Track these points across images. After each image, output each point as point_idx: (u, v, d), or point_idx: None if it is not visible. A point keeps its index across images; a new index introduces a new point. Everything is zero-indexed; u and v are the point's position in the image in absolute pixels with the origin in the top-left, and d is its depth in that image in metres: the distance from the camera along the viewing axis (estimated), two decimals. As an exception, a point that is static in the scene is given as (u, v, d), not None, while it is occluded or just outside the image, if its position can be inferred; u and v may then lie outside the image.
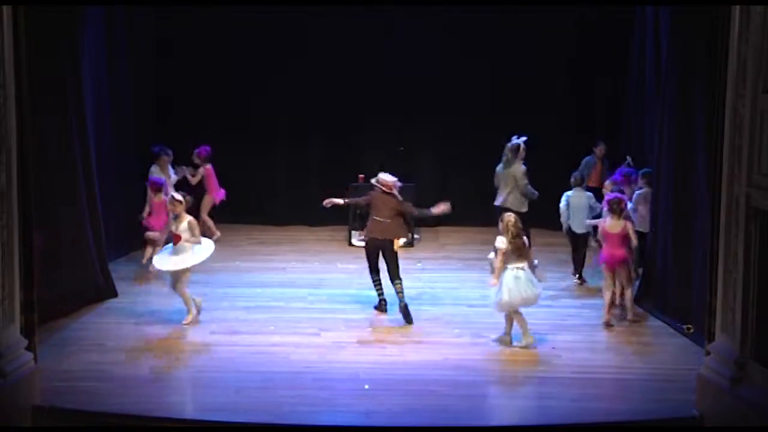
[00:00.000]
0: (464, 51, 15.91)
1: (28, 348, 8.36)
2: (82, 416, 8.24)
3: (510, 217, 10.26)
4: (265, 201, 16.16)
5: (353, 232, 15.09)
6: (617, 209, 10.90)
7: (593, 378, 9.42)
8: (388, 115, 16.02)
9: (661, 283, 11.32)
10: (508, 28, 15.79)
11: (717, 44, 8.33)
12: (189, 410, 8.37)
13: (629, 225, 10.93)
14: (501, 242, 10.09)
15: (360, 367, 9.44)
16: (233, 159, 16.04)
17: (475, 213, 15.31)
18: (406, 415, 8.39)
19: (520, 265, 10.05)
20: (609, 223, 10.91)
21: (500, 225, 10.23)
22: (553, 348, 10.04)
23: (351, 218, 15.19)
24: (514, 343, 10.15)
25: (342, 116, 16.05)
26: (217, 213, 15.92)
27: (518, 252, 10.07)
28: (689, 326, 10.29)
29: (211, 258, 13.70)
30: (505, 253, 10.03)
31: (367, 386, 8.96)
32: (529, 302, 10.11)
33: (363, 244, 11.36)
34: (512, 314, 10.13)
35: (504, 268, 10.05)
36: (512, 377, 9.25)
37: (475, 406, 8.58)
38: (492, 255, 10.24)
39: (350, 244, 14.94)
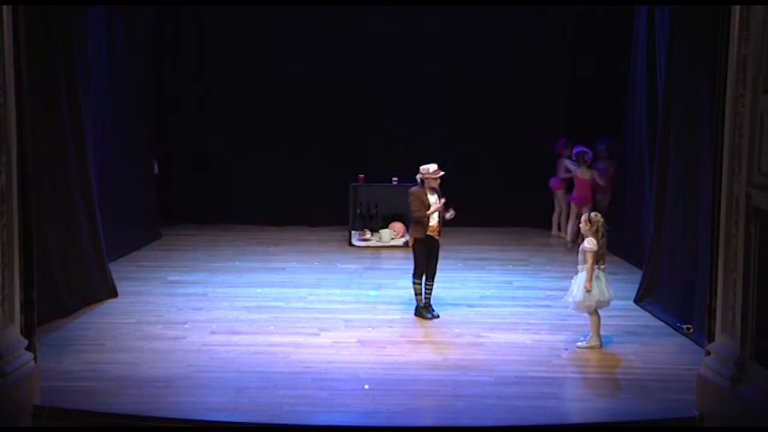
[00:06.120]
0: (464, 51, 15.93)
1: (28, 348, 8.35)
2: (82, 416, 8.23)
3: (600, 217, 10.09)
4: (265, 201, 16.17)
5: (353, 232, 15.10)
6: (584, 161, 14.42)
7: (593, 378, 9.42)
8: (389, 116, 16.03)
9: (661, 282, 11.32)
10: (508, 27, 15.83)
11: (718, 44, 8.33)
12: (189, 410, 8.35)
13: (595, 173, 14.55)
14: (592, 243, 9.89)
15: (360, 367, 9.43)
16: (233, 158, 16.07)
17: (475, 213, 15.34)
18: (406, 415, 8.39)
19: (602, 266, 9.99)
20: (580, 172, 14.48)
21: (586, 226, 10.00)
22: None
23: (351, 218, 15.20)
24: (579, 343, 10.11)
25: (342, 116, 16.06)
26: (217, 213, 15.98)
27: (602, 252, 10.02)
28: (689, 326, 10.28)
29: (211, 258, 13.83)
30: (595, 255, 9.86)
31: (367, 386, 8.96)
32: (602, 305, 10.02)
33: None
34: (589, 314, 10.05)
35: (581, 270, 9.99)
36: (512, 377, 9.23)
37: (475, 406, 8.56)
38: (580, 268, 10.07)
39: (350, 244, 14.95)
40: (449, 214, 10.96)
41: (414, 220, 11.04)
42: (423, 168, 11.01)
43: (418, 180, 11.04)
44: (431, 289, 11.09)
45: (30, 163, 8.33)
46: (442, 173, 10.98)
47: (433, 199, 10.96)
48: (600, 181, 14.58)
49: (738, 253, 7.93)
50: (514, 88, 15.91)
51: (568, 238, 14.80)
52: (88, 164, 11.37)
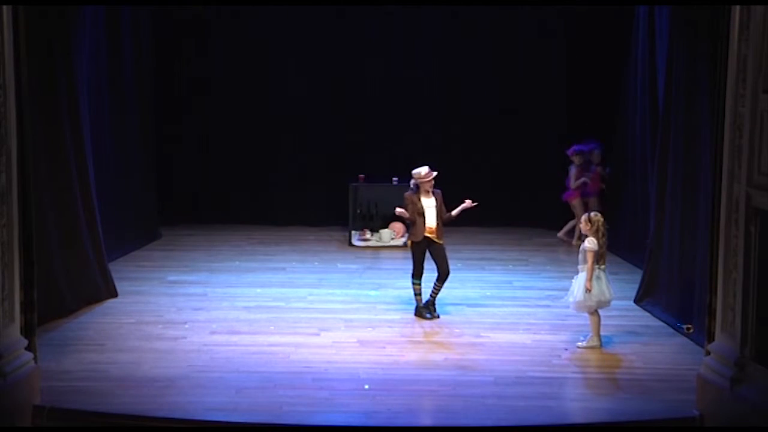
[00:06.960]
0: (464, 50, 15.93)
1: (28, 348, 8.35)
2: (82, 416, 8.23)
3: (601, 217, 10.05)
4: (265, 201, 16.17)
5: (353, 232, 15.10)
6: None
7: (593, 378, 9.42)
8: (389, 115, 16.03)
9: (661, 282, 11.32)
10: (507, 27, 15.83)
11: (718, 44, 8.33)
12: (189, 410, 8.35)
13: (573, 172, 14.51)
14: (592, 243, 9.87)
15: (360, 367, 9.43)
16: (234, 159, 16.07)
17: (475, 213, 15.32)
18: (406, 415, 8.39)
19: (602, 266, 9.98)
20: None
21: (586, 226, 9.98)
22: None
23: (351, 218, 15.20)
24: (579, 343, 10.12)
25: (342, 116, 16.06)
26: (217, 213, 15.99)
27: (603, 252, 10.00)
28: (689, 326, 10.28)
29: (211, 258, 13.83)
30: (595, 254, 9.84)
31: (367, 386, 8.95)
32: (602, 305, 10.01)
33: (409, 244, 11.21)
34: (589, 314, 10.05)
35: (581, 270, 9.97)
36: (512, 377, 9.23)
37: (475, 406, 8.56)
38: (581, 267, 10.05)
39: (350, 244, 14.95)
40: (461, 207, 10.98)
41: (411, 224, 11.08)
42: (415, 172, 11.01)
43: (413, 185, 11.04)
44: (439, 290, 11.08)
45: (30, 163, 8.33)
46: (434, 174, 10.97)
47: (428, 202, 10.97)
48: (572, 184, 14.58)
49: (738, 253, 7.93)
50: (514, 88, 15.90)
51: (562, 235, 15.02)
52: (88, 164, 11.36)
